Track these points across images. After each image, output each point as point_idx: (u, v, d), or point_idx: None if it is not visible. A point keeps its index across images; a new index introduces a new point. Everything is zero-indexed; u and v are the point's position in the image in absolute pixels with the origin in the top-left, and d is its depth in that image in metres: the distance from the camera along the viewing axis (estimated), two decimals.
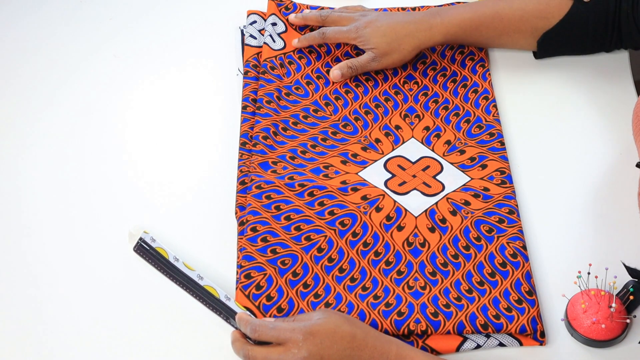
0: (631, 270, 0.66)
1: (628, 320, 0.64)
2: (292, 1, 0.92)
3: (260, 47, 0.86)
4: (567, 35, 0.81)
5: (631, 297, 0.65)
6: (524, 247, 0.70)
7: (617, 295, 0.65)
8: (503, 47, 0.84)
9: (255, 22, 0.89)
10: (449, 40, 0.82)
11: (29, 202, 0.75)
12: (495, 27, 0.81)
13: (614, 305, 0.63)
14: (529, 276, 0.68)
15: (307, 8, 0.91)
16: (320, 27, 0.85)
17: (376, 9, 0.91)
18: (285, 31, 0.88)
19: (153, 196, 0.76)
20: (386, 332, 0.65)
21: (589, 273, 0.66)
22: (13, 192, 0.76)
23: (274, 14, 0.89)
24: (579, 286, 0.65)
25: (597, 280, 0.66)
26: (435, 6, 0.90)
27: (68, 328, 0.67)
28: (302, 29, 0.89)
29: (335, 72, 0.81)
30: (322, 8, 0.90)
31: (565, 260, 0.70)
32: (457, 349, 0.65)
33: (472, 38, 0.82)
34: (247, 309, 0.66)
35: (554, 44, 0.82)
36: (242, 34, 0.89)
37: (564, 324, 0.66)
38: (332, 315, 0.62)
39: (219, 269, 0.70)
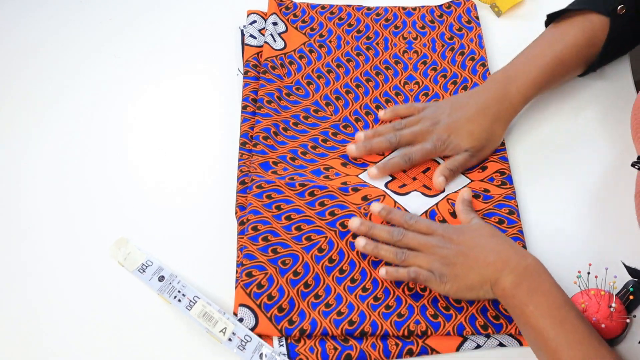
0: (631, 270, 0.66)
1: (628, 320, 0.64)
2: (292, 0, 0.92)
3: (260, 46, 0.86)
4: (613, 52, 0.80)
5: (631, 297, 0.65)
6: (524, 248, 0.70)
7: (617, 295, 0.65)
8: (560, 85, 0.81)
9: (255, 21, 0.89)
10: (525, 104, 0.77)
11: (29, 202, 0.75)
12: (559, 73, 0.78)
13: (613, 305, 0.63)
14: None
15: (307, 7, 0.91)
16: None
17: (376, 8, 0.91)
18: (286, 31, 0.88)
19: (153, 195, 0.76)
20: (386, 332, 0.65)
21: (588, 273, 0.66)
22: (12, 193, 0.76)
23: (274, 13, 0.89)
24: (579, 286, 0.66)
25: (597, 280, 0.66)
26: (435, 6, 0.89)
27: (65, 330, 0.67)
28: (303, 27, 0.89)
29: (440, 179, 0.73)
30: (323, 6, 0.90)
31: (565, 260, 0.70)
32: (458, 349, 0.66)
33: (541, 92, 0.78)
34: (248, 307, 0.66)
35: (603, 64, 0.81)
36: (242, 34, 0.89)
37: None
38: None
39: (218, 268, 0.70)
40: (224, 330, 0.65)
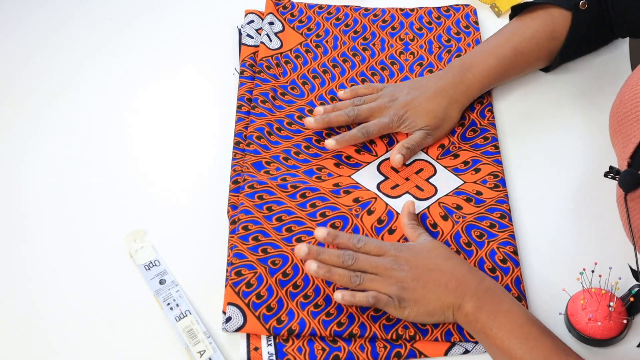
0: (636, 274, 0.65)
1: (625, 321, 0.63)
2: (289, 0, 0.92)
3: (257, 46, 0.86)
4: (577, 46, 0.81)
5: (631, 299, 0.64)
6: (515, 252, 0.70)
7: (619, 296, 0.65)
8: (524, 75, 0.83)
9: (252, 21, 0.89)
10: (483, 90, 0.80)
11: (28, 200, 0.76)
12: (519, 64, 0.79)
13: (612, 304, 0.63)
14: (518, 282, 0.68)
15: (305, 7, 0.91)
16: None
17: (374, 9, 0.90)
18: (282, 30, 0.88)
19: (148, 193, 0.76)
20: (374, 335, 0.65)
21: (592, 271, 0.66)
22: (13, 193, 0.77)
23: (271, 13, 0.89)
24: (582, 283, 0.65)
25: (601, 279, 0.66)
26: (434, 8, 0.89)
27: (67, 329, 0.67)
28: (300, 27, 0.89)
29: (397, 157, 0.74)
30: (320, 6, 0.90)
31: (568, 258, 0.70)
32: (446, 353, 0.65)
33: (501, 80, 0.81)
34: (237, 305, 0.66)
35: (566, 58, 0.82)
36: (240, 34, 0.89)
37: (563, 323, 0.66)
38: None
39: (209, 266, 0.70)
40: (202, 352, 0.65)
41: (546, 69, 0.83)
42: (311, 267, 0.65)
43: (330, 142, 0.75)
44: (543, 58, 0.80)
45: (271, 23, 0.88)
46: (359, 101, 0.78)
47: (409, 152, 0.75)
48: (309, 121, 0.77)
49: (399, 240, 0.71)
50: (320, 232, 0.67)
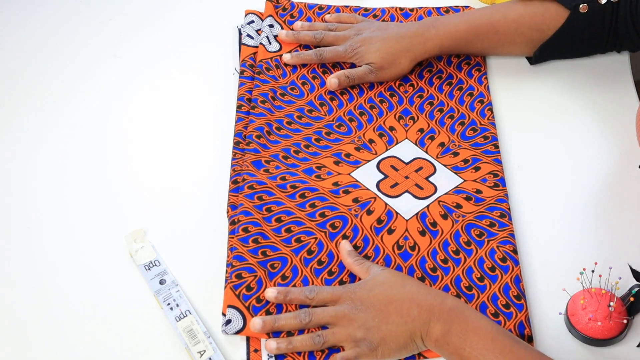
0: (637, 274, 0.65)
1: (625, 321, 0.63)
2: (289, 1, 0.92)
3: (257, 47, 0.87)
4: (563, 45, 0.81)
5: (631, 299, 0.64)
6: (514, 251, 0.70)
7: (619, 296, 0.65)
8: (497, 55, 0.84)
9: (252, 21, 0.89)
10: (444, 52, 0.82)
11: (28, 201, 0.76)
12: (490, 39, 0.80)
13: (612, 304, 0.63)
14: (518, 280, 0.68)
15: (305, 7, 0.91)
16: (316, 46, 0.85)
17: (374, 9, 0.91)
18: None
19: (147, 192, 0.76)
20: None
21: (592, 271, 0.66)
22: (13, 193, 0.77)
23: (270, 15, 0.89)
24: (582, 283, 0.65)
25: (601, 279, 0.66)
26: (433, 8, 0.90)
27: (67, 329, 0.67)
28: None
29: (333, 80, 0.80)
30: (320, 6, 0.90)
31: (568, 258, 0.70)
32: None
33: (466, 49, 0.82)
34: (237, 308, 0.66)
35: (549, 53, 0.82)
36: (240, 34, 0.89)
37: (563, 323, 0.66)
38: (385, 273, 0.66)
39: (209, 265, 0.70)
40: (202, 352, 0.64)
41: (531, 61, 0.83)
42: (271, 346, 0.63)
43: (286, 56, 0.83)
44: (520, 44, 0.81)
45: (270, 26, 0.88)
46: (333, 26, 0.85)
47: (347, 80, 0.81)
48: (282, 33, 0.85)
49: (398, 240, 0.71)
50: (271, 293, 0.65)
